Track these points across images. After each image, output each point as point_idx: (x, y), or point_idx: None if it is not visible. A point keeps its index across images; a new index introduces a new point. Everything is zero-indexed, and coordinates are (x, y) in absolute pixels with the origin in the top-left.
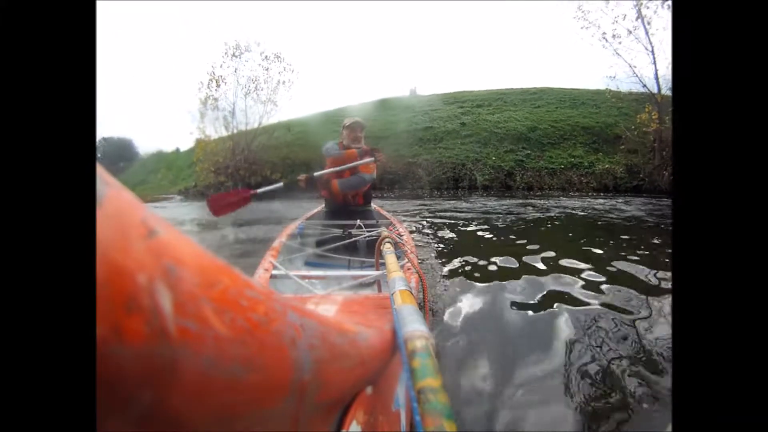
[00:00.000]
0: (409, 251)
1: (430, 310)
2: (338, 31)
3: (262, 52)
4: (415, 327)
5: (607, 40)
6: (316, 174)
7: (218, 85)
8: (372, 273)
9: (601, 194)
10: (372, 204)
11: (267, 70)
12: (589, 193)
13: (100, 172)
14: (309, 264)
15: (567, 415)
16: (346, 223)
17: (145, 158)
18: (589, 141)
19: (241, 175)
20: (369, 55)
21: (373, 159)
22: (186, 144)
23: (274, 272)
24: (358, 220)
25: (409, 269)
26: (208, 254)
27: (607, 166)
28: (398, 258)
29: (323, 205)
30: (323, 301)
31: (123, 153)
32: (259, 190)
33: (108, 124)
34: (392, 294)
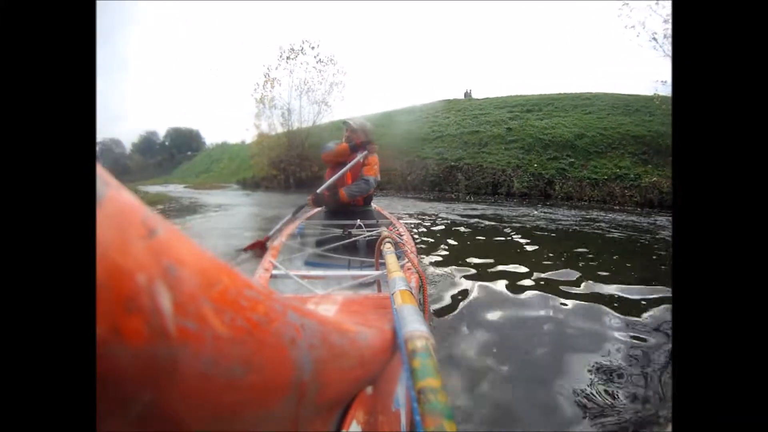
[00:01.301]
0: (409, 251)
1: (430, 309)
2: (397, 33)
3: (317, 55)
4: (415, 327)
5: (657, 41)
6: (318, 191)
7: (272, 87)
8: (372, 273)
9: (644, 209)
10: (372, 204)
11: (320, 72)
12: (631, 208)
13: (100, 172)
14: (309, 264)
15: (567, 415)
16: (346, 223)
17: (211, 148)
18: (639, 151)
19: (293, 170)
20: (426, 56)
21: (365, 153)
22: (251, 137)
23: (274, 272)
24: (358, 220)
25: (409, 269)
26: (207, 254)
27: (654, 179)
28: (398, 258)
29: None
30: (323, 301)
31: (190, 143)
32: (270, 233)
33: (177, 116)
34: (392, 294)
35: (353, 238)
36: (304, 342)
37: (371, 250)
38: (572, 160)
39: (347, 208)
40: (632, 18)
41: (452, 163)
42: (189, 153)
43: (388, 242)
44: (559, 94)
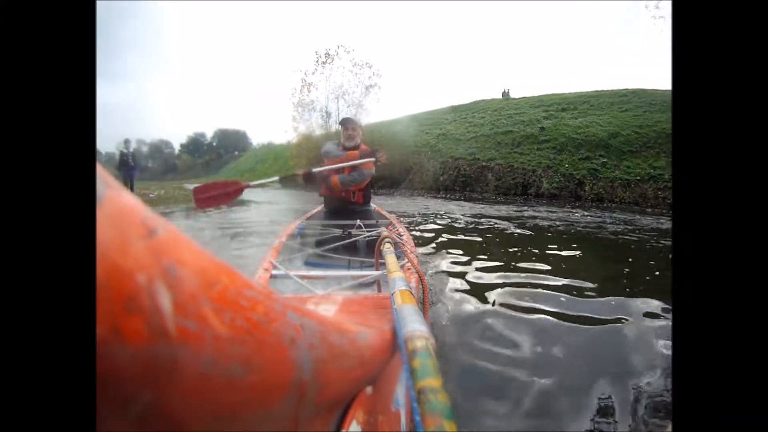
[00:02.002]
0: (409, 251)
1: (429, 310)
2: (435, 33)
3: (352, 59)
4: (415, 327)
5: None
6: (315, 170)
7: (309, 91)
8: (372, 273)
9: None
10: (372, 204)
11: (356, 75)
12: (663, 211)
13: (100, 172)
14: (309, 264)
15: (567, 415)
16: (346, 223)
17: (257, 149)
18: None
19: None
20: (465, 56)
21: (373, 159)
22: (294, 138)
23: (274, 272)
24: (358, 220)
25: (409, 269)
26: (207, 254)
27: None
28: (398, 258)
29: (323, 206)
30: (323, 301)
31: (237, 143)
32: (252, 183)
33: (225, 117)
34: (392, 294)
35: (353, 239)
36: (303, 342)
37: (371, 250)
38: (605, 160)
39: (346, 207)
40: (660, 8)
41: (483, 164)
42: (236, 153)
43: (388, 242)
44: (597, 91)
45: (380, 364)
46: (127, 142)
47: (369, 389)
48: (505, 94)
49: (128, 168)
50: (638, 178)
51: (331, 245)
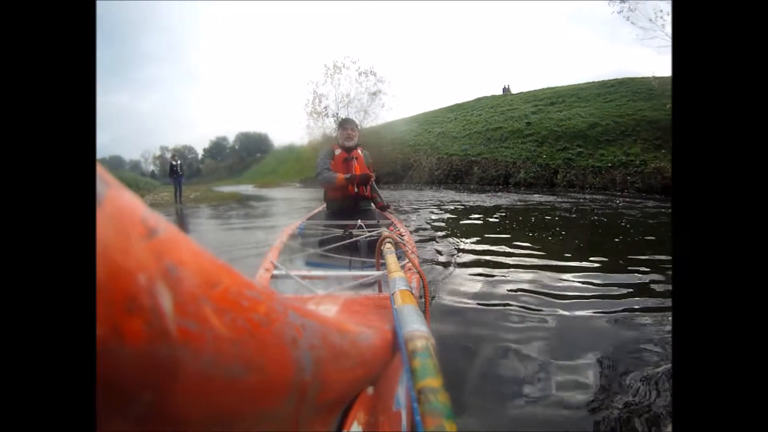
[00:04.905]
0: (409, 251)
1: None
2: (436, 33)
3: (358, 69)
4: (415, 327)
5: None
6: (347, 176)
7: (320, 102)
8: (373, 273)
9: (642, 194)
10: (372, 204)
11: (361, 84)
12: (616, 192)
13: (100, 172)
14: (310, 264)
15: (568, 415)
16: (347, 223)
17: (279, 150)
18: (652, 137)
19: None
20: (470, 52)
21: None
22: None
23: (275, 272)
24: (359, 220)
25: (409, 269)
26: (208, 254)
27: (661, 164)
28: (399, 258)
29: (324, 206)
30: (324, 301)
31: (259, 146)
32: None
33: (246, 121)
34: (393, 294)
35: (354, 239)
36: (304, 342)
37: (372, 250)
38: (581, 149)
39: (349, 208)
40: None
41: (472, 158)
42: (258, 155)
43: (389, 242)
44: (587, 83)
45: (381, 365)
46: (175, 153)
47: (370, 389)
48: (506, 90)
49: (177, 176)
50: (609, 164)
51: (332, 245)
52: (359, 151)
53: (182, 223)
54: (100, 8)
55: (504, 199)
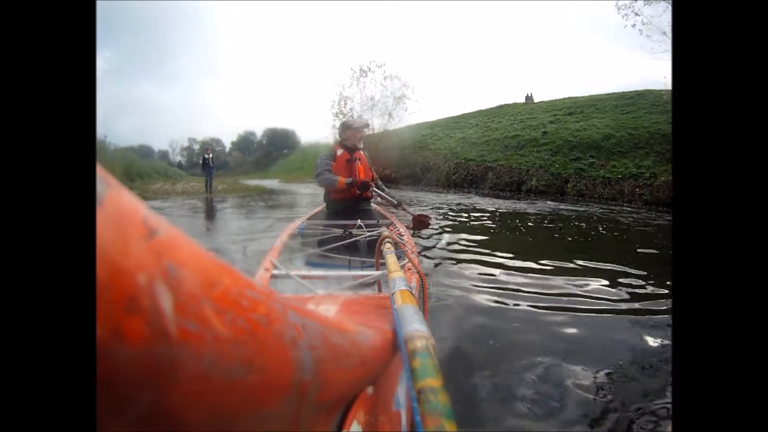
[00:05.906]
0: (409, 251)
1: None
2: (467, 36)
3: (384, 73)
4: (415, 327)
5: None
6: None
7: (346, 104)
8: (372, 273)
9: (647, 207)
10: (372, 204)
11: (386, 88)
12: (619, 204)
13: (100, 172)
14: (309, 264)
15: (568, 415)
16: (347, 223)
17: (306, 147)
18: (665, 150)
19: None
20: (493, 59)
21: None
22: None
23: (275, 272)
24: (359, 220)
25: (409, 269)
26: (208, 254)
27: (671, 178)
28: (399, 258)
29: (324, 205)
30: (324, 301)
31: (286, 142)
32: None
33: (275, 117)
34: (392, 294)
35: (354, 238)
36: (304, 342)
37: (372, 250)
38: (593, 160)
39: (349, 208)
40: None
41: (489, 164)
42: (285, 151)
43: (389, 242)
44: (607, 94)
45: (381, 365)
46: (207, 146)
47: (370, 389)
48: (528, 98)
49: (209, 168)
50: (619, 176)
51: (332, 245)
52: (362, 153)
53: (211, 210)
54: (127, 3)
55: (521, 204)
